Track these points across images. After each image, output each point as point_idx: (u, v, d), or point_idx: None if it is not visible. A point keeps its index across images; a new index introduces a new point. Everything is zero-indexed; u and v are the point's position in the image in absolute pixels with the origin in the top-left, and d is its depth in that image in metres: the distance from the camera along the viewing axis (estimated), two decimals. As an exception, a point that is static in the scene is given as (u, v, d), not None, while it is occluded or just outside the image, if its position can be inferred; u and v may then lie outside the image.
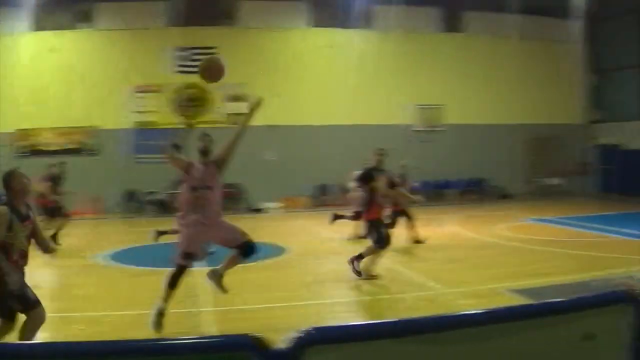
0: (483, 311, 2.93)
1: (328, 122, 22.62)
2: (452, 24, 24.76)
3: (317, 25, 23.43)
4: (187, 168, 6.57)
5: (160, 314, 6.37)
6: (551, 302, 3.09)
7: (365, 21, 23.38)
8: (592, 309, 3.05)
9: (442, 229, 15.53)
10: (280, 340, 2.02)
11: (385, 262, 10.22)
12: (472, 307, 7.30)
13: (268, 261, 10.98)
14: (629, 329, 3.01)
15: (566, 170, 24.61)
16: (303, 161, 21.97)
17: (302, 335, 2.13)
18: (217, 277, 6.73)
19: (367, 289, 8.98)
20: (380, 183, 9.73)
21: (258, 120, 7.13)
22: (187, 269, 6.57)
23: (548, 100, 25.56)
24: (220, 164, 6.79)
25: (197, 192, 6.55)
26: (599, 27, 26.30)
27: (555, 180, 23.88)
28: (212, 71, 6.93)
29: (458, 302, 7.98)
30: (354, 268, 9.12)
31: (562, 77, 25.60)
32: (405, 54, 23.35)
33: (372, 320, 2.65)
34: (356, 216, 12.08)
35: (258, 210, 20.67)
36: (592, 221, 16.91)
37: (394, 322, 2.59)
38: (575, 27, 24.84)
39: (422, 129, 23.61)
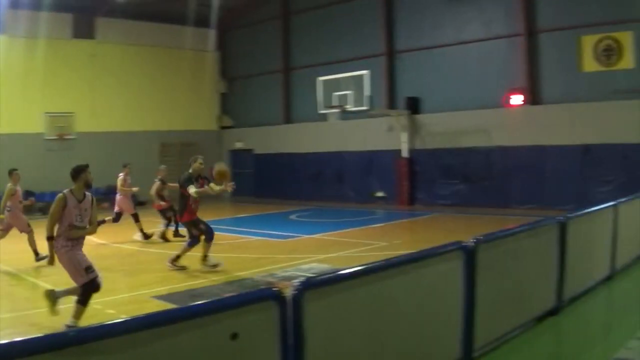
0: (128, 319, 3.38)
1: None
2: (83, 30, 26.52)
3: None
4: None
5: None
6: (198, 305, 3.69)
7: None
8: (238, 308, 3.69)
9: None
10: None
11: (22, 277, 11.24)
12: (119, 315, 7.81)
13: None
14: (274, 325, 3.78)
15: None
16: None
17: None
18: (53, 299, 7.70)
19: (5, 306, 9.06)
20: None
21: None
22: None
23: (183, 106, 29.23)
24: None
25: None
26: (229, 35, 30.83)
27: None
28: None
29: (106, 311, 8.50)
30: (175, 267, 11.39)
31: (196, 84, 29.55)
32: (35, 60, 24.38)
33: (16, 338, 2.82)
34: (117, 218, 15.91)
35: None
36: (231, 224, 19.36)
37: (38, 338, 2.89)
38: (208, 35, 29.01)
39: (53, 137, 25.51)
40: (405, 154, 23.32)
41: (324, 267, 11.56)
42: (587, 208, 9.09)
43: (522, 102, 20.69)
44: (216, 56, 31.29)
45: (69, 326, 7.18)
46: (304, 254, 13.31)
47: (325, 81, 24.09)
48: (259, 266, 11.91)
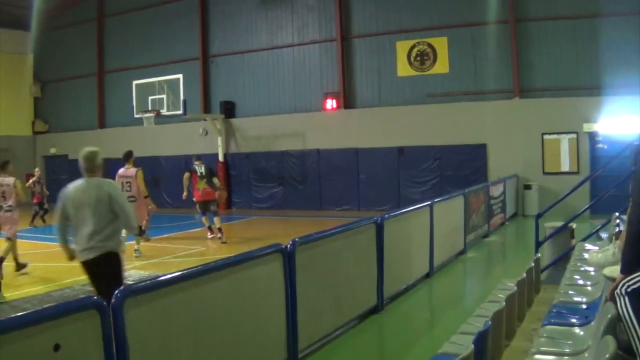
0: None
1: None
2: None
3: None
4: None
5: None
6: (18, 316, 3.52)
7: None
8: (59, 319, 3.54)
9: None
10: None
11: None
12: None
13: None
14: (97, 334, 3.71)
15: None
16: None
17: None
18: None
19: None
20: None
21: None
22: None
23: None
24: None
25: None
26: (43, 38, 28.66)
27: None
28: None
29: None
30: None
31: (9, 87, 27.80)
32: None
33: None
34: None
35: None
36: (44, 232, 18.57)
37: None
38: (21, 37, 27.72)
39: None
40: (220, 157, 23.40)
41: (143, 273, 11.30)
42: (403, 208, 9.40)
43: (337, 106, 20.62)
44: (29, 59, 29.13)
45: None
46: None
47: (140, 85, 23.34)
48: (77, 275, 10.71)
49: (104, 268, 5.96)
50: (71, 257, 6.31)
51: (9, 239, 11.43)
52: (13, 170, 11.93)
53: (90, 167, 6.25)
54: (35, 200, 19.90)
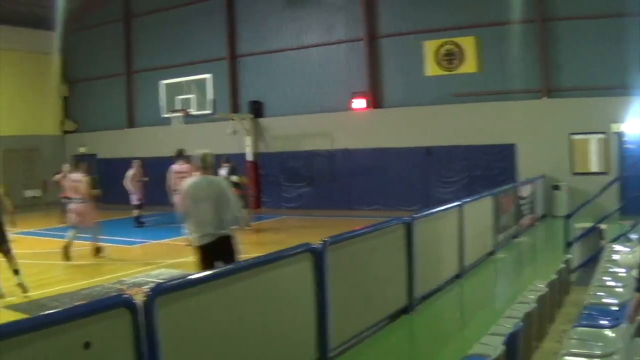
0: None
1: None
2: None
3: None
4: None
5: None
6: (49, 314, 3.57)
7: None
8: (90, 317, 3.59)
9: None
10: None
11: None
12: None
13: None
14: (127, 333, 3.74)
15: (45, 182, 27.02)
16: None
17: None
18: None
19: None
20: None
21: None
22: None
23: (25, 111, 27.76)
24: None
25: None
26: (71, 38, 29.16)
27: (34, 192, 27.01)
28: None
29: None
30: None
31: (38, 87, 28.33)
32: None
33: None
34: None
35: None
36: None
37: None
38: (49, 37, 27.80)
39: None
40: (249, 157, 23.63)
41: (174, 272, 11.46)
42: (432, 208, 9.36)
43: (365, 106, 20.76)
44: (58, 59, 29.44)
45: None
46: (153, 259, 13.28)
47: (168, 85, 23.65)
48: (107, 273, 11.78)
49: (220, 250, 7.23)
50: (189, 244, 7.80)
51: (81, 227, 13.45)
52: (84, 168, 13.77)
53: (205, 166, 7.59)
54: (63, 195, 19.58)
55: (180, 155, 15.63)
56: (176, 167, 15.40)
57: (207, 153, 7.65)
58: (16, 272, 10.15)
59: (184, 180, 13.67)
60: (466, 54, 19.09)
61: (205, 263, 7.20)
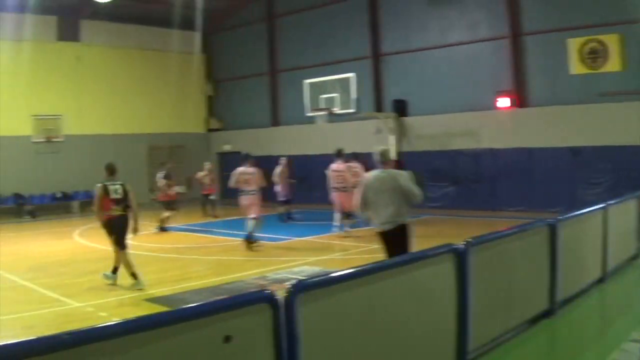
0: (121, 322, 3.37)
1: None
2: (67, 33, 26.55)
3: None
4: None
5: None
6: (190, 307, 3.71)
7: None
8: (231, 311, 3.67)
9: (71, 242, 17.05)
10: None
11: (15, 280, 11.40)
12: (111, 318, 8.10)
13: None
14: (267, 328, 3.80)
15: (189, 178, 27.08)
16: None
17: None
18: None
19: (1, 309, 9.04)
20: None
21: None
22: None
23: (170, 109, 29.28)
24: None
25: None
26: (215, 38, 30.93)
27: (180, 188, 30.13)
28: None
29: (99, 314, 8.74)
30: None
31: (183, 87, 29.59)
32: (21, 63, 24.58)
33: (10, 340, 2.81)
34: None
35: None
36: (219, 226, 19.72)
37: (31, 341, 2.91)
38: (193, 37, 29.14)
39: (41, 140, 25.59)
40: (393, 156, 23.74)
41: (316, 269, 11.66)
42: (577, 210, 9.11)
43: (510, 105, 20.77)
44: (202, 59, 31.19)
45: None
46: (295, 256, 13.48)
47: (312, 84, 24.35)
48: (250, 269, 12.05)
49: (399, 236, 8.10)
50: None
51: (254, 218, 14.56)
52: (253, 163, 15.16)
53: (384, 161, 8.36)
54: (204, 192, 22.18)
55: (340, 155, 16.51)
56: (334, 165, 16.48)
57: (385, 149, 8.59)
58: (115, 270, 10.89)
59: (342, 179, 15.80)
60: (610, 51, 18.65)
61: (386, 248, 8.23)
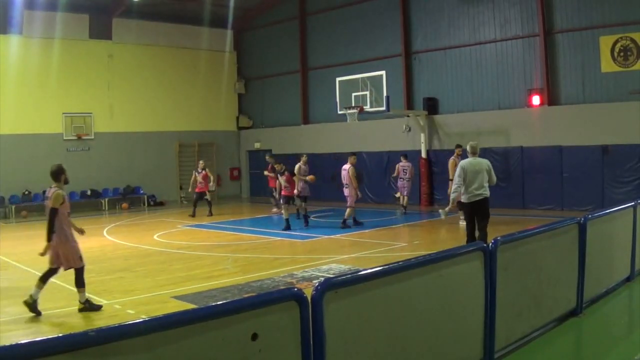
0: (148, 319, 3.44)
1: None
2: (99, 31, 27.30)
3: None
4: None
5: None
6: (218, 305, 3.75)
7: (10, 26, 24.55)
8: (259, 309, 3.74)
9: (100, 239, 17.44)
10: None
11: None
12: (139, 316, 8.40)
13: None
14: (295, 326, 3.86)
15: (219, 176, 29.42)
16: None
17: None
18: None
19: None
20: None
21: None
22: None
23: (201, 107, 30.16)
24: None
25: None
26: (246, 36, 31.68)
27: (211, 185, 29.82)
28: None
29: (126, 311, 8.95)
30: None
31: (213, 84, 30.53)
32: (52, 61, 25.42)
33: (39, 337, 2.91)
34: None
35: None
36: (248, 224, 20.24)
37: (58, 338, 2.97)
38: (224, 35, 30.28)
39: (72, 137, 26.38)
40: (423, 154, 23.95)
41: (343, 267, 11.91)
42: (606, 208, 9.25)
43: (540, 103, 21.09)
44: (233, 56, 32.02)
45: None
46: (323, 254, 13.73)
47: (343, 82, 24.69)
48: (278, 266, 12.32)
49: (485, 207, 11.54)
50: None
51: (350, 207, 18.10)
52: (353, 161, 18.29)
53: (473, 152, 11.74)
54: (198, 190, 22.86)
55: (405, 156, 21.62)
56: (402, 163, 21.43)
57: (475, 143, 11.92)
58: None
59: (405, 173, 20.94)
60: (642, 49, 18.73)
61: (473, 216, 11.63)
